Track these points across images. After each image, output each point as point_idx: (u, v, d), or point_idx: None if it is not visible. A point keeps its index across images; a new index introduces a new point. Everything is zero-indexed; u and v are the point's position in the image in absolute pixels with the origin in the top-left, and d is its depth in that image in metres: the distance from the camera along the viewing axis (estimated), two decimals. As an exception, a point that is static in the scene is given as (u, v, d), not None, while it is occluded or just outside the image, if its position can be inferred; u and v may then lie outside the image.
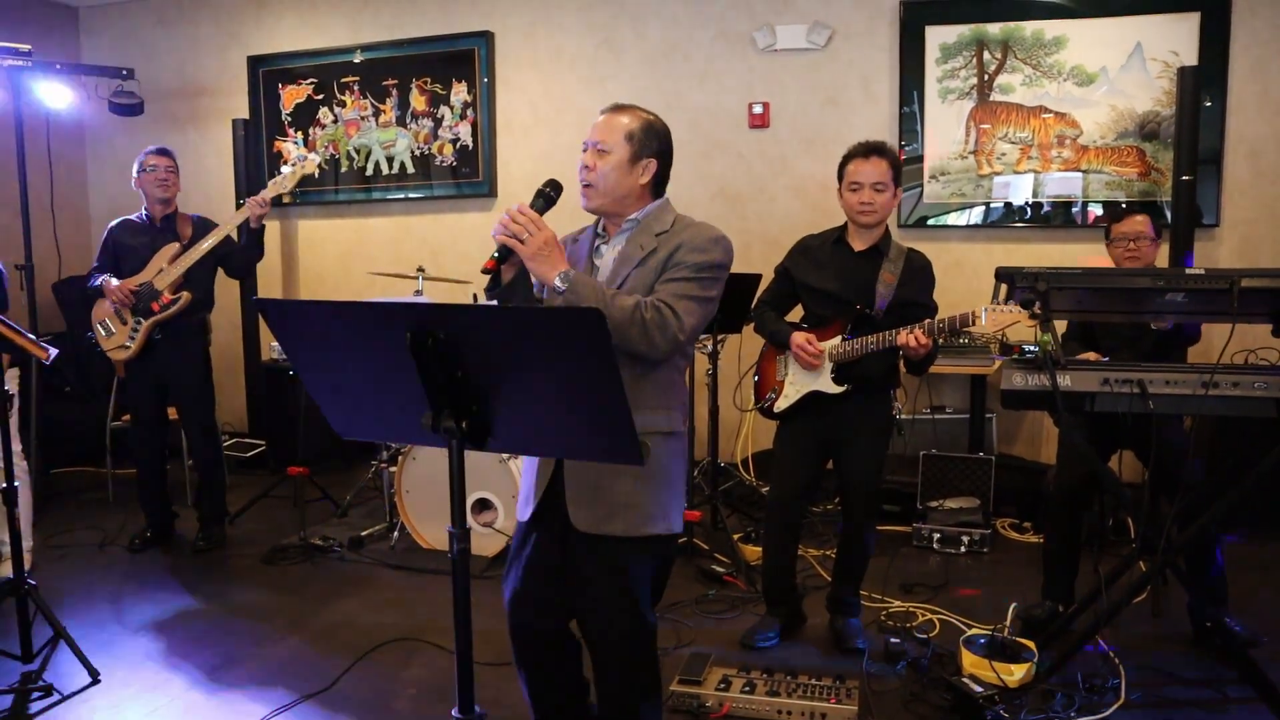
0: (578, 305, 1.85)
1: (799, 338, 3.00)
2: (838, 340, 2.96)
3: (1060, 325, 3.33)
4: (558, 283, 1.89)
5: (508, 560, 2.18)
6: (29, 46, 4.94)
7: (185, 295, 4.00)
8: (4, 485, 2.94)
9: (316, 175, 5.82)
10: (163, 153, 4.12)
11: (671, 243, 2.03)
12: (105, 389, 5.00)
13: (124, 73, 5.34)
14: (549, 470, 2.03)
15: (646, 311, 1.91)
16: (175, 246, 4.02)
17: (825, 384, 2.97)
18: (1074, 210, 4.66)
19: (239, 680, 2.97)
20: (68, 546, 4.26)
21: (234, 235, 4.07)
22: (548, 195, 2.03)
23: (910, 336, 2.76)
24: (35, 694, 2.83)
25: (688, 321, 1.96)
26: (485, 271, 1.97)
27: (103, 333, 4.06)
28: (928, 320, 2.80)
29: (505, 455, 3.83)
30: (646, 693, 2.14)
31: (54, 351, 2.94)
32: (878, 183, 2.90)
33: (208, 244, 3.98)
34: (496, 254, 1.95)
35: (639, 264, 2.02)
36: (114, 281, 3.97)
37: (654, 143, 2.08)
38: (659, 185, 2.12)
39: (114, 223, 4.23)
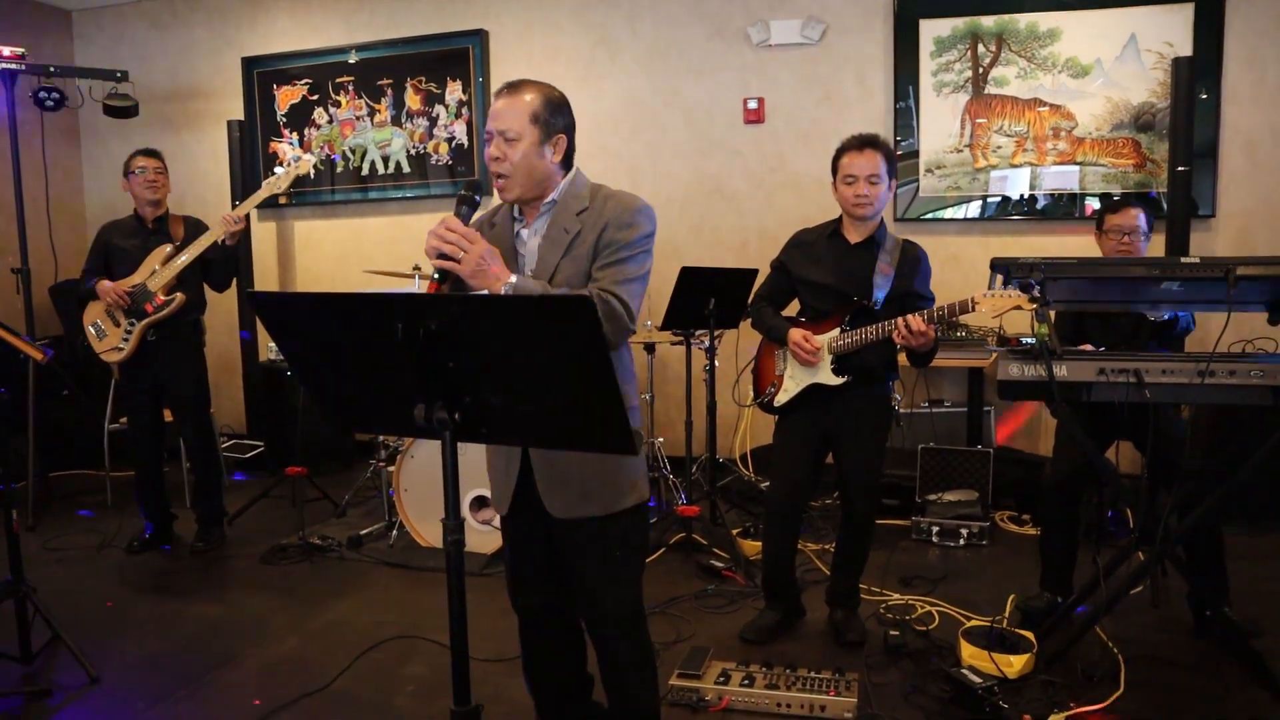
0: None
1: (796, 335, 2.99)
2: (836, 332, 2.95)
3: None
4: (504, 293, 1.84)
5: (504, 553, 2.25)
6: (23, 50, 4.95)
7: (179, 296, 3.99)
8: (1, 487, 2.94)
9: (311, 175, 5.82)
10: (150, 154, 4.09)
11: (596, 222, 1.99)
12: (102, 392, 4.99)
13: (118, 75, 5.35)
14: (516, 463, 2.05)
15: (616, 317, 1.90)
16: (168, 248, 4.00)
17: (825, 376, 2.97)
18: (1068, 201, 4.66)
19: (238, 679, 2.96)
20: (66, 549, 4.26)
21: (218, 243, 4.02)
22: (471, 199, 1.95)
23: (901, 323, 2.75)
24: (34, 695, 2.83)
25: (634, 305, 1.96)
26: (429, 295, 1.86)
27: (95, 335, 4.05)
28: (927, 309, 2.79)
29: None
30: (640, 665, 2.20)
31: (49, 352, 2.94)
32: (872, 175, 2.89)
33: (199, 247, 3.96)
34: (436, 275, 1.85)
35: (567, 251, 1.98)
36: (107, 283, 3.96)
37: (560, 118, 2.01)
38: (569, 158, 2.06)
39: (105, 225, 4.21)
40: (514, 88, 2.00)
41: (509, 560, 2.22)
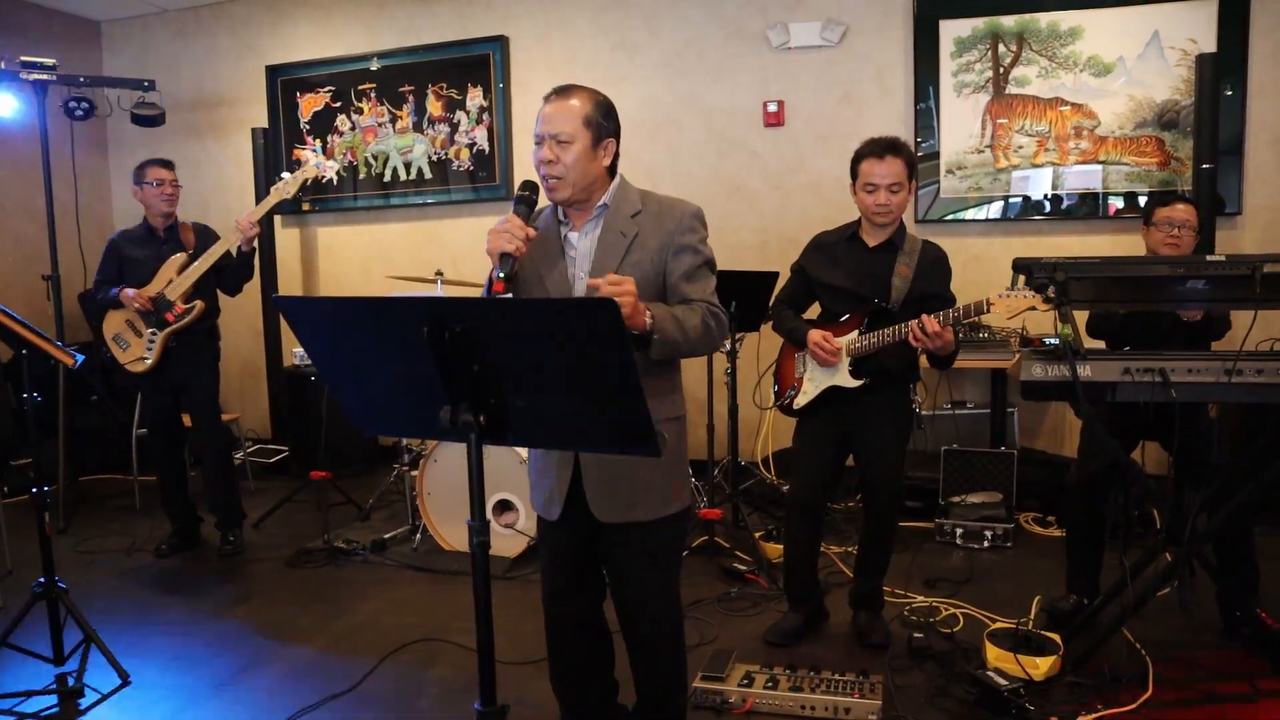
0: (667, 343, 1.91)
1: (815, 335, 2.99)
2: (854, 335, 2.95)
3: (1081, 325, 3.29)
4: (648, 325, 1.87)
5: (540, 558, 2.26)
6: (54, 61, 5.04)
7: (199, 304, 4.03)
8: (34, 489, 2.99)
9: (334, 181, 5.88)
10: (166, 165, 4.12)
11: (656, 227, 2.03)
12: (130, 397, 5.06)
13: (145, 85, 5.42)
14: (569, 468, 2.07)
15: (710, 320, 1.99)
16: (183, 257, 4.05)
17: (843, 378, 2.97)
18: (1091, 201, 4.62)
19: (265, 681, 3.00)
20: (97, 552, 4.32)
21: (231, 250, 4.06)
22: (530, 199, 1.98)
23: (914, 325, 2.73)
24: (67, 695, 2.87)
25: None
26: (496, 295, 1.87)
27: (118, 346, 4.10)
28: (942, 311, 2.77)
29: (527, 456, 3.84)
30: (677, 670, 2.25)
31: (80, 357, 2.98)
32: (893, 184, 2.86)
33: (214, 255, 4.00)
34: (502, 274, 1.86)
35: (628, 253, 2.02)
36: (131, 290, 3.99)
37: (611, 122, 2.05)
38: (614, 163, 2.09)
39: (114, 234, 4.24)
40: (564, 92, 2.02)
41: (548, 568, 2.22)
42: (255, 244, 4.05)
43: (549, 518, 2.14)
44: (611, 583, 2.19)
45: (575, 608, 2.22)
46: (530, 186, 2.01)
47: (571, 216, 2.09)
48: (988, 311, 2.69)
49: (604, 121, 2.02)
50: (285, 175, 4.11)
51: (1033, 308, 2.62)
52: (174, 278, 4.02)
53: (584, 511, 2.07)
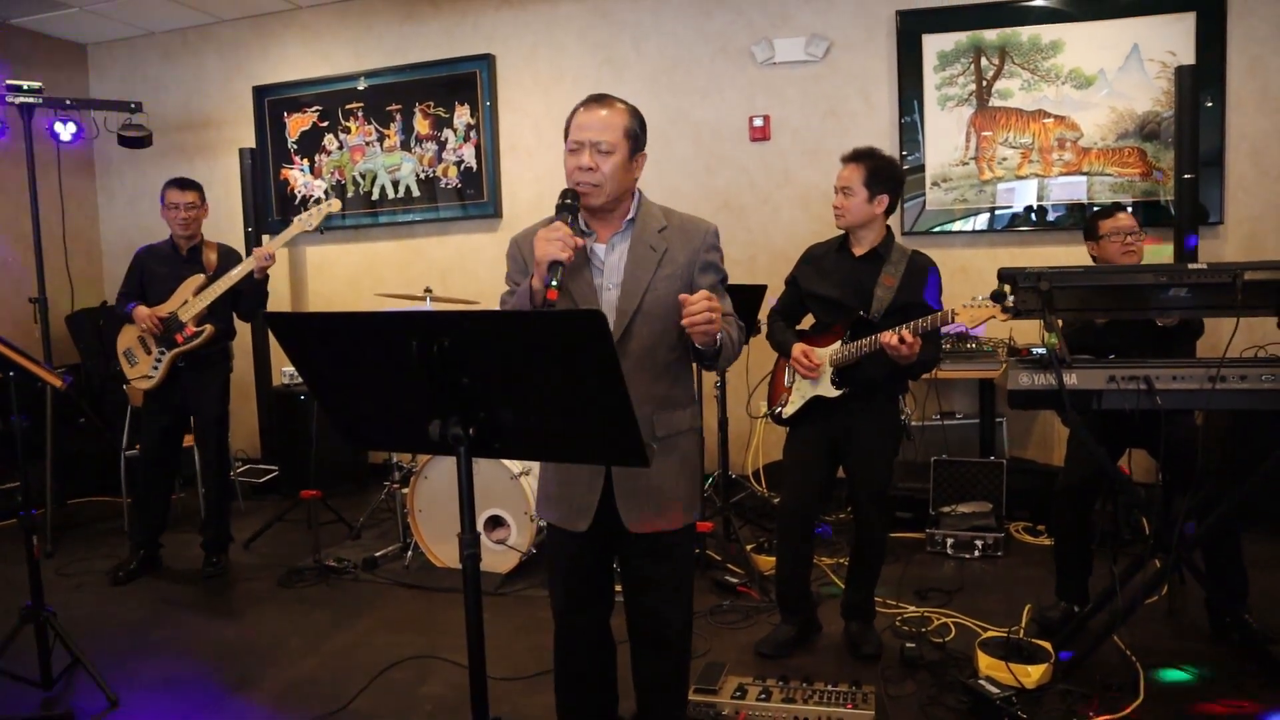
0: (725, 356, 2.03)
1: (797, 350, 3.04)
2: (837, 345, 2.98)
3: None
4: (719, 338, 1.97)
5: (553, 571, 2.25)
6: (40, 83, 5.04)
7: (209, 329, 4.02)
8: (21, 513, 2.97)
9: (321, 199, 5.88)
10: (184, 187, 4.09)
11: (684, 242, 2.08)
12: (119, 419, 5.03)
13: (132, 106, 5.43)
14: (600, 479, 2.07)
15: (739, 334, 2.08)
16: (201, 278, 4.04)
17: (825, 388, 3.00)
18: (1077, 212, 4.66)
19: (256, 701, 2.97)
20: (84, 574, 4.28)
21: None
22: (574, 207, 2.00)
23: (891, 337, 2.77)
24: (55, 719, 2.84)
25: None
26: (547, 302, 1.86)
27: (127, 362, 4.10)
28: (913, 321, 2.79)
29: (518, 472, 3.85)
30: (681, 680, 2.29)
31: (68, 379, 2.97)
32: (845, 186, 2.99)
33: (231, 280, 4.00)
34: (555, 283, 1.85)
35: (659, 267, 2.04)
36: (144, 309, 3.99)
37: (645, 135, 2.09)
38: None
39: (141, 248, 4.25)
40: (604, 101, 2.04)
41: (562, 580, 2.20)
42: (266, 272, 4.05)
43: (575, 529, 2.11)
44: (630, 589, 2.20)
45: (587, 620, 2.23)
46: (572, 195, 2.00)
47: (596, 228, 2.09)
48: (952, 321, 2.76)
49: (640, 134, 2.06)
50: (302, 215, 4.12)
51: (993, 316, 2.71)
52: (189, 299, 4.02)
53: (610, 522, 2.08)
